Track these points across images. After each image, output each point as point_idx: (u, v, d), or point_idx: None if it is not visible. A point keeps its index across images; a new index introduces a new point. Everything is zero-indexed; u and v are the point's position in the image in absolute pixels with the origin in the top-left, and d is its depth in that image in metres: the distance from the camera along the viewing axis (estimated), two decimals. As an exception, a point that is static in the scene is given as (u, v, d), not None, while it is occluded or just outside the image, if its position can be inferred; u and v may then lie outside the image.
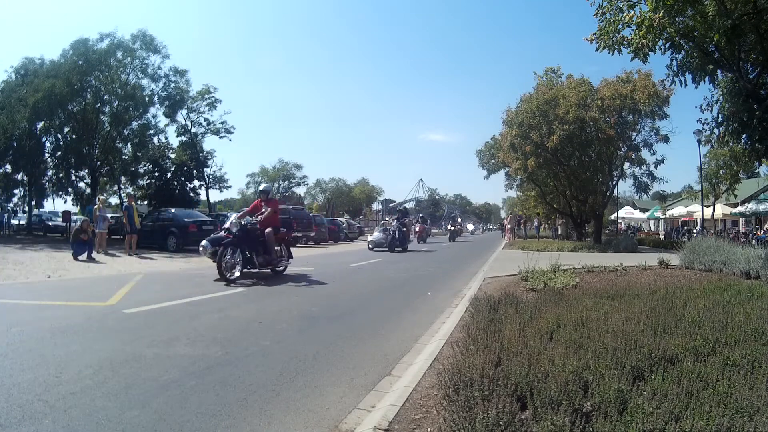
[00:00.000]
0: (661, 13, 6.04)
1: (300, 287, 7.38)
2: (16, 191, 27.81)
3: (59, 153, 24.92)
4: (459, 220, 44.17)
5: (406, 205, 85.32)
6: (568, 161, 17.97)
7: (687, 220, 28.71)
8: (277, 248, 8.61)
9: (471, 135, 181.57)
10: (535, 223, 32.32)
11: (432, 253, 16.61)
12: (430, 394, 2.74)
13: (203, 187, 30.70)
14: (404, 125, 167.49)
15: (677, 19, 6.56)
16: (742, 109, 7.61)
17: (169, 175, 29.02)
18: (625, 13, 6.41)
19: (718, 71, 7.71)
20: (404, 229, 17.40)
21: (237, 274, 7.67)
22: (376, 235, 18.26)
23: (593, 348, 2.92)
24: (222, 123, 30.54)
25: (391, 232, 16.85)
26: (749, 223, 26.63)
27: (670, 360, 2.79)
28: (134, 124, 25.76)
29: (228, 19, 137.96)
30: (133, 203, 14.63)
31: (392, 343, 4.17)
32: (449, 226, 30.09)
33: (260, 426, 2.44)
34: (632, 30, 6.50)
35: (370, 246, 17.67)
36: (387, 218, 21.87)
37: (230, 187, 36.16)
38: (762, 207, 21.41)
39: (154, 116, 26.85)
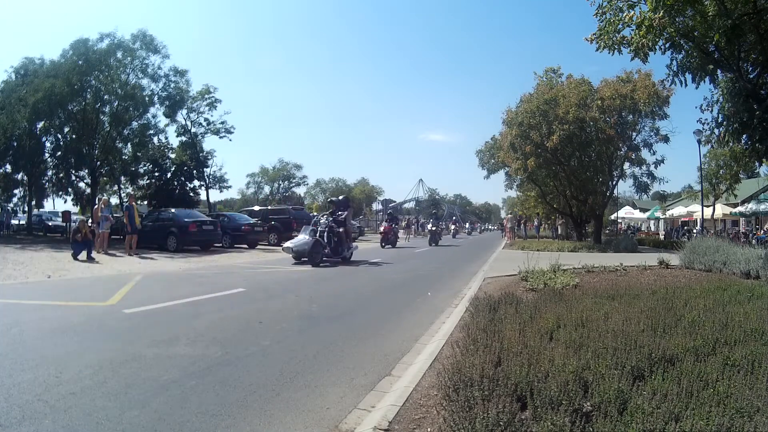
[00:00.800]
0: (661, 13, 6.03)
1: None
2: (16, 191, 27.84)
3: (59, 153, 24.91)
4: (455, 217, 41.30)
5: (406, 205, 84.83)
6: (568, 161, 17.97)
7: (687, 220, 28.70)
8: None
9: (471, 135, 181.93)
10: (535, 223, 32.30)
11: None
12: (430, 394, 2.74)
13: (203, 187, 30.69)
14: (404, 125, 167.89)
15: (677, 19, 6.56)
16: (742, 109, 7.61)
17: (169, 175, 29.02)
18: (625, 13, 6.40)
19: (718, 71, 7.70)
20: (340, 230, 11.38)
21: None
22: (300, 238, 11.80)
23: (593, 348, 2.92)
24: (222, 123, 30.51)
25: (317, 235, 10.96)
26: (749, 223, 26.62)
27: (670, 360, 2.79)
28: (134, 124, 25.75)
29: (228, 19, 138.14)
30: (133, 203, 14.62)
31: (392, 343, 4.17)
32: (429, 226, 24.23)
33: (260, 426, 2.44)
34: (632, 30, 6.49)
35: (292, 255, 11.69)
36: (315, 213, 15.86)
37: (230, 187, 36.15)
38: (762, 207, 21.40)
39: (154, 116, 26.85)
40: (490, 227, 71.66)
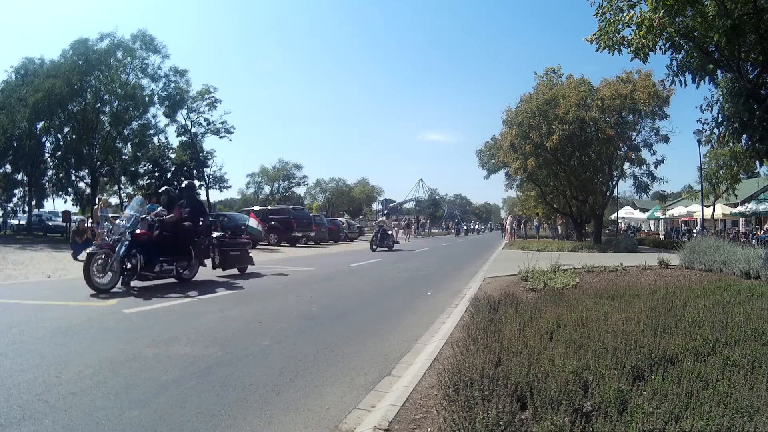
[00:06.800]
0: (661, 13, 6.03)
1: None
2: (16, 191, 27.87)
3: (59, 153, 24.95)
4: (457, 218, 38.80)
5: (406, 205, 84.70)
6: (568, 161, 17.98)
7: (687, 220, 28.71)
8: None
9: (471, 135, 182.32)
10: (535, 223, 32.29)
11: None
12: (430, 394, 2.74)
13: (203, 187, 30.74)
14: (404, 125, 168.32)
15: (677, 19, 6.54)
16: (743, 109, 7.59)
17: (169, 175, 29.07)
18: (625, 13, 6.41)
19: (718, 71, 7.69)
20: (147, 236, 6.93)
21: None
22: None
23: (593, 348, 2.91)
24: (222, 123, 30.60)
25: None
26: (749, 223, 26.62)
27: (670, 360, 2.78)
28: (134, 124, 25.81)
29: (228, 19, 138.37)
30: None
31: (392, 343, 4.17)
32: (377, 222, 19.69)
33: (260, 426, 2.44)
34: (632, 30, 6.49)
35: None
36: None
37: (230, 187, 36.25)
38: (762, 207, 21.40)
39: (154, 116, 26.95)
40: (476, 227, 57.37)
